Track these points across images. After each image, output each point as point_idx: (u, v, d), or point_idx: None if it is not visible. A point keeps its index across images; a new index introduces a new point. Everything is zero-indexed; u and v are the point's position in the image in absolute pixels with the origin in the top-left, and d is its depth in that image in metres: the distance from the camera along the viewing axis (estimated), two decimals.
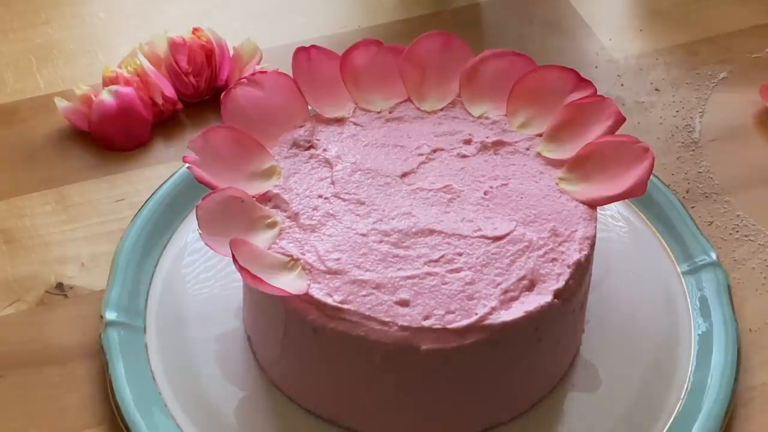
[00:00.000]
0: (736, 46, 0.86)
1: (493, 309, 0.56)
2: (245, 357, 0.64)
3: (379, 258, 0.58)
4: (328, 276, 0.57)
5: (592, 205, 0.62)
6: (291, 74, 0.65)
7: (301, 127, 0.65)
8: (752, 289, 0.70)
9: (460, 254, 0.59)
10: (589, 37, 0.87)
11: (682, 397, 0.63)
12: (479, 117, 0.66)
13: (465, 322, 0.56)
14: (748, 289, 0.70)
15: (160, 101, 0.77)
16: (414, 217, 0.60)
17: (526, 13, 0.89)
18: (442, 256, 0.58)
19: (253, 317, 0.63)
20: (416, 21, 0.88)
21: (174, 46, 0.78)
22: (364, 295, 0.57)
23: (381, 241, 0.59)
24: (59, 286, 0.69)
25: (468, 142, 0.64)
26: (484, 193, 0.62)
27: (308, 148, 0.64)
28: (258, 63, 0.80)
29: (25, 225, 0.72)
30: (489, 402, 0.60)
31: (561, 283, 0.58)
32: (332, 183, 0.62)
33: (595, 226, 0.61)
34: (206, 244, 0.58)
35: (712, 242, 0.70)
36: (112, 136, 0.76)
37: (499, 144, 0.64)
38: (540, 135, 0.65)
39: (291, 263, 0.58)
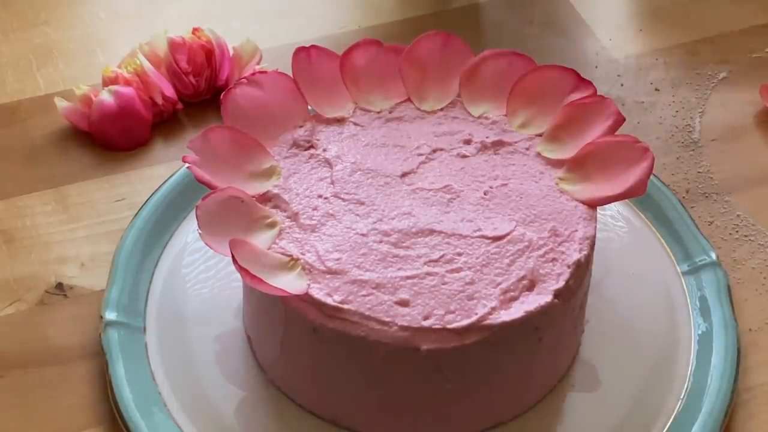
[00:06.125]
0: (736, 46, 0.86)
1: (493, 309, 0.56)
2: (245, 357, 0.64)
3: (379, 258, 0.58)
4: (328, 276, 0.57)
5: (592, 205, 0.62)
6: (291, 74, 0.65)
7: (301, 127, 0.65)
8: (752, 289, 0.70)
9: (460, 254, 0.58)
10: (589, 37, 0.87)
11: (682, 397, 0.63)
12: (479, 117, 0.66)
13: (465, 322, 0.56)
14: (748, 289, 0.70)
15: (160, 101, 0.77)
16: (414, 217, 0.60)
17: (526, 13, 0.89)
18: (442, 256, 0.58)
19: (253, 317, 0.63)
20: (416, 21, 0.88)
21: (174, 46, 0.78)
22: (364, 295, 0.57)
23: (381, 241, 0.59)
24: (59, 286, 0.69)
25: (468, 142, 0.64)
26: (484, 193, 0.62)
27: (308, 148, 0.64)
28: (258, 63, 0.80)
29: (25, 225, 0.72)
30: (489, 402, 0.60)
31: (561, 283, 0.58)
32: (332, 183, 0.62)
33: (595, 226, 0.61)
34: (206, 244, 0.58)
35: (712, 242, 0.70)
36: (112, 136, 0.76)
37: (499, 144, 0.64)
38: (540, 135, 0.65)
39: (291, 263, 0.58)
